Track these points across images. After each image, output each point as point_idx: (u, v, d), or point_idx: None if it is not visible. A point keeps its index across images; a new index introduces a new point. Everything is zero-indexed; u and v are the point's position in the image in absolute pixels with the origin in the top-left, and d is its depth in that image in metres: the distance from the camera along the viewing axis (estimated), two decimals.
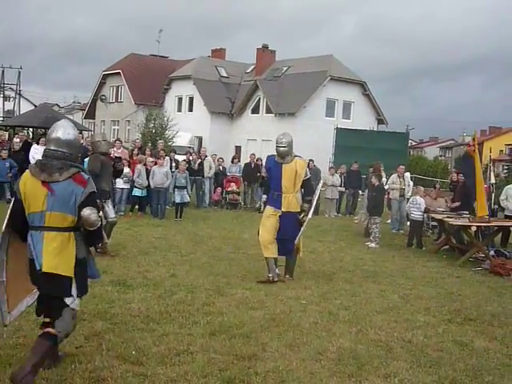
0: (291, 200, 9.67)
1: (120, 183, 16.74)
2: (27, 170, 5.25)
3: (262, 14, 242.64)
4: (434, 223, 16.90)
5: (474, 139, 14.15)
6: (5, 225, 5.31)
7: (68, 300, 5.15)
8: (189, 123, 42.92)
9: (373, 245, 14.63)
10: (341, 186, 21.93)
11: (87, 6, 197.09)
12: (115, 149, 18.60)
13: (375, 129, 41.06)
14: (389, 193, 17.79)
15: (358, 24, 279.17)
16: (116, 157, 11.33)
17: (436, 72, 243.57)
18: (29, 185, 5.11)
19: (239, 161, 24.90)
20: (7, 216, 5.28)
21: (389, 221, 18.94)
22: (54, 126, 5.52)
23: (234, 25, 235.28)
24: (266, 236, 9.69)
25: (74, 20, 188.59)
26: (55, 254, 5.02)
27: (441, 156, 77.43)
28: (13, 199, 5.39)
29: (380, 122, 44.99)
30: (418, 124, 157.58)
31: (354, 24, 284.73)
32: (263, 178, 11.50)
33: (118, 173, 11.70)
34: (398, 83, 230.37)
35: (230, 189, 21.34)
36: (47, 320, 5.26)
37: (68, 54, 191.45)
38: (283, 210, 9.66)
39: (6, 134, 23.82)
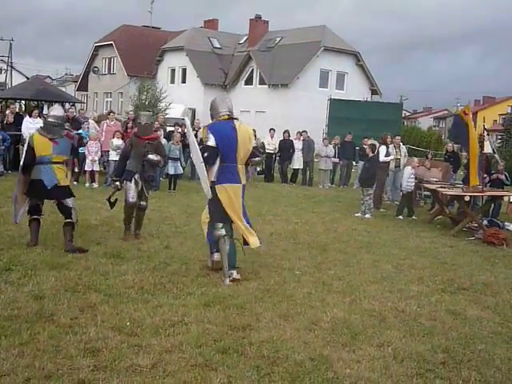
0: None
1: (113, 155, 16.69)
2: (36, 131, 9.10)
3: None
4: (427, 193, 16.92)
5: (468, 109, 14.08)
6: (21, 163, 9.07)
7: (70, 200, 9.00)
8: (182, 95, 42.75)
9: (368, 215, 14.66)
10: (334, 156, 21.90)
11: None
12: (108, 121, 18.54)
13: (369, 99, 40.93)
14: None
15: None
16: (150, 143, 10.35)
17: (431, 43, 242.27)
18: (39, 140, 8.82)
19: None
20: (23, 157, 9.10)
21: None
22: (51, 108, 10.52)
23: None
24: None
25: None
26: (61, 175, 8.87)
27: (434, 126, 77.30)
28: (25, 147, 9.13)
29: (374, 92, 44.90)
30: (413, 95, 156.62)
31: None
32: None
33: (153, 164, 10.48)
34: (394, 54, 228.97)
35: None
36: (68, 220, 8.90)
37: (61, 26, 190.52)
38: None
39: None
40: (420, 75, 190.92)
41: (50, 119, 9.05)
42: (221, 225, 7.90)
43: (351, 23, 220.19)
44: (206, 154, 7.78)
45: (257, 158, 8.62)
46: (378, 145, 17.20)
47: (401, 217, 15.00)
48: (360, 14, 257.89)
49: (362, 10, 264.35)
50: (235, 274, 7.87)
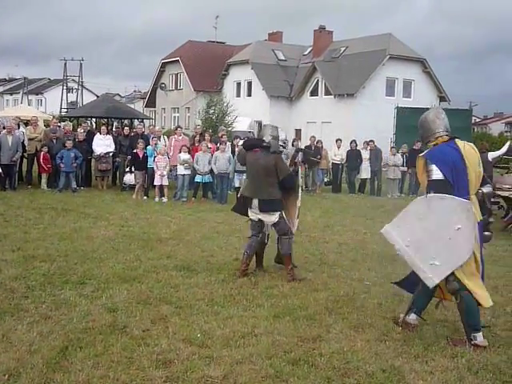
0: None
1: (181, 169, 16.96)
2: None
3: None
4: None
5: None
6: None
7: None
8: (248, 108, 43.04)
9: None
10: (403, 165, 21.66)
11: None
12: (176, 136, 18.86)
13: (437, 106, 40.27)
14: None
15: (429, 2, 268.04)
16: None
17: (508, 48, 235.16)
18: None
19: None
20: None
21: None
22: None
23: (291, 10, 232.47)
24: None
25: (135, 14, 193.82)
26: None
27: (506, 132, 75.40)
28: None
29: (442, 99, 44.08)
30: (484, 100, 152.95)
31: (426, 2, 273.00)
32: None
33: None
34: (468, 60, 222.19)
35: None
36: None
37: (131, 46, 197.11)
38: None
39: (71, 125, 24.33)
40: (494, 81, 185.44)
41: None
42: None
43: (424, 30, 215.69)
44: (431, 193, 6.26)
45: (486, 188, 6.48)
46: None
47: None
48: (434, 21, 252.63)
49: (437, 17, 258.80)
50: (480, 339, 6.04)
